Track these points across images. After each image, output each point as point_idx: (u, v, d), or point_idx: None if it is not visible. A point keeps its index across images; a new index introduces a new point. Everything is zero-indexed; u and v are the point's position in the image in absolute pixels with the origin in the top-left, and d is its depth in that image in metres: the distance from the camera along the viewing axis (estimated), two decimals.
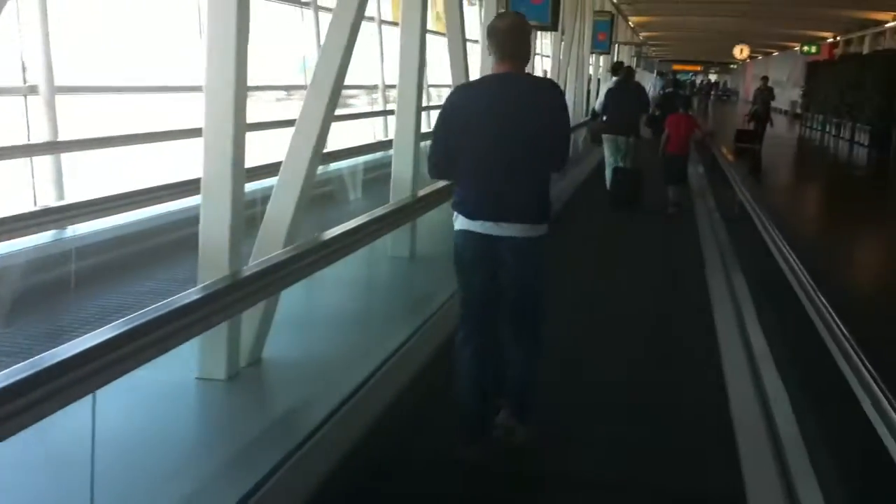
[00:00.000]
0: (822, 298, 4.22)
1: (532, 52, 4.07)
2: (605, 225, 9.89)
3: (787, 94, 38.65)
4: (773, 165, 19.51)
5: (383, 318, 5.28)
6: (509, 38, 3.49)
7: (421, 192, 5.88)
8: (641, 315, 5.98)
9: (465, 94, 3.78)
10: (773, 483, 3.38)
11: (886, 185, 18.33)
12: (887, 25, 27.21)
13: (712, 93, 65.70)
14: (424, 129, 6.76)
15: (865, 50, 29.20)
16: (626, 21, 30.78)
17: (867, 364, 3.25)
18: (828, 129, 29.50)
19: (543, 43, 18.04)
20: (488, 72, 3.75)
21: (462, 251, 3.54)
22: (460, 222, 3.51)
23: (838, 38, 33.76)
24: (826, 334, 3.97)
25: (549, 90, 3.72)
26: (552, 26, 11.99)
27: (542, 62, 18.78)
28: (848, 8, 25.89)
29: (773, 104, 23.21)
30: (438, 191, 5.63)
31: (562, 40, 16.71)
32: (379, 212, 4.87)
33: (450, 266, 3.65)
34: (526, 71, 3.62)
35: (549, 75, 16.12)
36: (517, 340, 3.60)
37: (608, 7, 23.97)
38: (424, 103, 7.70)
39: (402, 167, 6.36)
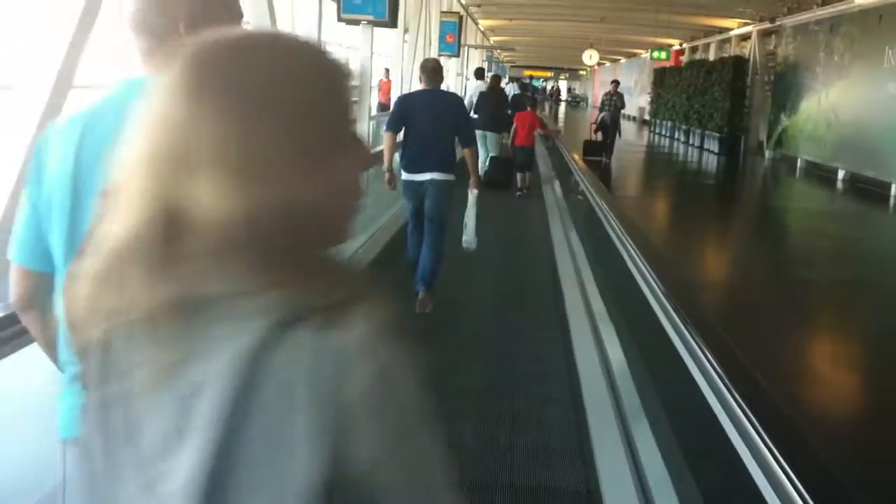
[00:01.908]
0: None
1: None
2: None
3: (635, 101, 38.94)
4: (622, 177, 18.27)
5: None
6: (430, 74, 6.17)
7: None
8: (504, 250, 8.74)
9: (410, 98, 6.66)
10: (587, 337, 5.18)
11: (740, 195, 17.91)
12: (732, 33, 27.35)
13: (561, 99, 66.65)
14: None
15: (711, 56, 29.39)
16: (476, 24, 29.94)
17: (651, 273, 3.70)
18: (676, 136, 29.52)
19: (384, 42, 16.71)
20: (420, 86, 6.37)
21: (406, 189, 6.03)
22: (404, 175, 6.01)
23: (684, 45, 34.05)
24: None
25: (454, 97, 6.95)
26: (390, 22, 10.89)
27: (382, 62, 17.53)
28: (695, 15, 25.83)
29: (622, 111, 20.58)
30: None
31: (405, 40, 15.46)
32: None
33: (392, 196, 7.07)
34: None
35: (389, 75, 15.35)
36: (428, 245, 5.91)
37: (456, 7, 22.99)
38: None
39: None
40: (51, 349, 1.63)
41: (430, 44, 18.44)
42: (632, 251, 4.05)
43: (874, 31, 16.45)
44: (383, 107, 18.61)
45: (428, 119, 5.82)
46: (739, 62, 24.20)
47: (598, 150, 18.65)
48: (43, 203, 1.55)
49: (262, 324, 0.80)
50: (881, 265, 9.90)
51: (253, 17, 7.12)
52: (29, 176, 1.59)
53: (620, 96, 20.08)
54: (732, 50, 27.30)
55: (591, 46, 33.29)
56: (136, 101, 0.90)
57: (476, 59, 29.35)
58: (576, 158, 10.77)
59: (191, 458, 0.81)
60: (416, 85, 7.15)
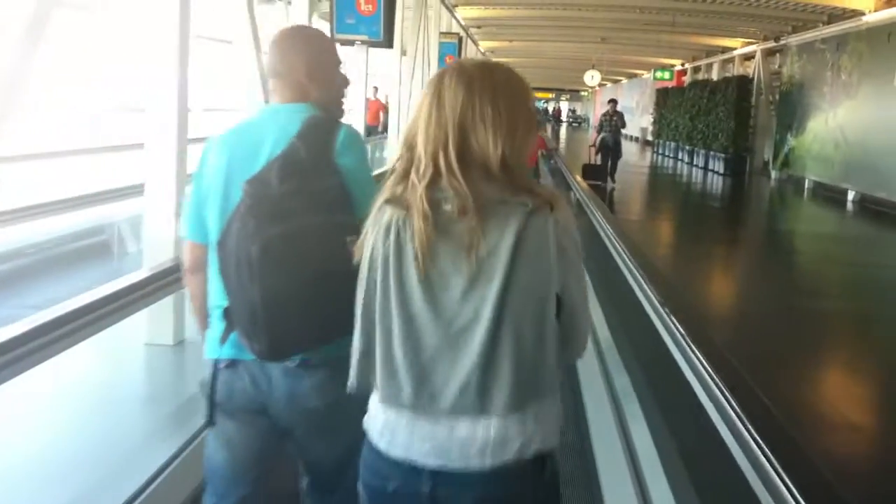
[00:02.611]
0: None
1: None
2: None
3: (638, 121, 38.63)
4: (625, 199, 17.32)
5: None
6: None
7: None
8: None
9: None
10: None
11: (749, 218, 17.47)
12: (736, 52, 27.02)
13: (562, 119, 66.48)
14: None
15: (714, 76, 29.06)
16: (476, 45, 29.66)
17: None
18: (680, 157, 29.14)
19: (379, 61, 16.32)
20: None
21: None
22: None
23: (686, 64, 33.75)
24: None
25: None
26: (386, 43, 10.55)
27: (373, 82, 17.15)
28: (698, 35, 25.52)
29: (623, 131, 19.29)
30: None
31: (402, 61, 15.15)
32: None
33: None
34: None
35: (377, 94, 15.03)
36: None
37: (455, 28, 22.69)
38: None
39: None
40: (201, 301, 2.28)
41: (430, 65, 18.10)
42: (640, 281, 3.90)
43: (883, 48, 16.06)
44: (371, 129, 17.96)
45: None
46: (744, 81, 23.83)
47: (600, 174, 17.19)
48: (203, 191, 2.19)
49: (521, 213, 1.62)
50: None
51: (235, 37, 6.74)
52: (195, 173, 2.23)
53: (620, 115, 18.79)
54: (735, 70, 26.94)
55: (593, 67, 32.97)
56: (266, 123, 2.12)
57: None
58: (578, 180, 10.39)
59: (493, 286, 1.61)
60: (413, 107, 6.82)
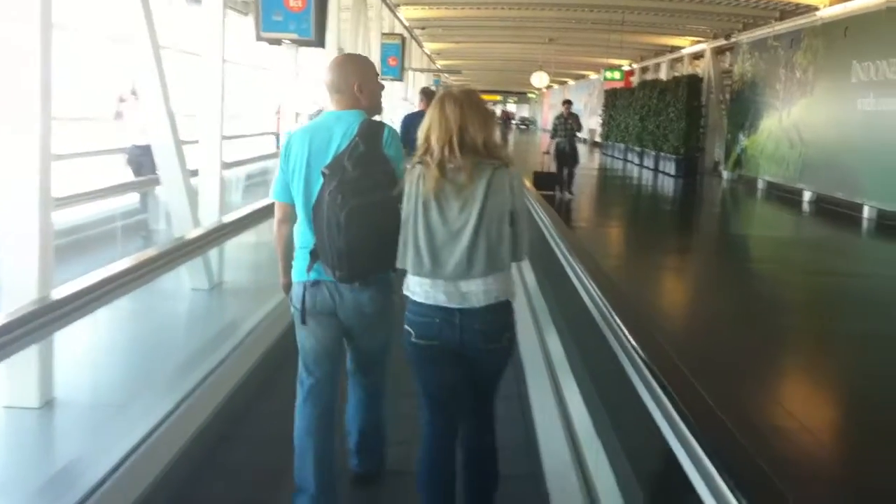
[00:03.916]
0: None
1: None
2: None
3: (586, 123, 38.17)
4: (574, 205, 16.14)
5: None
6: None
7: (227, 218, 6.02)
8: None
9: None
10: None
11: (704, 222, 16.87)
12: (685, 51, 26.58)
13: (511, 122, 65.81)
14: None
15: (663, 76, 28.62)
16: (421, 47, 28.88)
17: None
18: (630, 158, 28.67)
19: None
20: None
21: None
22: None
23: (634, 65, 33.33)
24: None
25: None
26: (317, 42, 9.67)
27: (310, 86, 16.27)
28: (646, 34, 25.02)
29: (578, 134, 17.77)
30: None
31: None
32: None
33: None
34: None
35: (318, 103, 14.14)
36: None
37: (399, 29, 21.88)
38: None
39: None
40: (285, 245, 3.36)
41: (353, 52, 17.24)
42: (595, 296, 3.63)
43: (839, 44, 15.60)
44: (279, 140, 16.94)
45: None
46: (694, 81, 23.35)
47: (552, 183, 15.82)
48: (289, 172, 3.23)
49: (491, 168, 2.86)
50: (870, 305, 8.79)
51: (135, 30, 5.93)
52: (282, 157, 3.27)
53: (576, 117, 17.07)
54: (685, 69, 26.52)
55: (540, 68, 32.35)
56: (332, 124, 3.20)
57: (422, 83, 28.27)
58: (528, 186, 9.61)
59: (473, 212, 2.83)
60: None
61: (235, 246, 7.06)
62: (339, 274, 3.09)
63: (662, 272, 10.44)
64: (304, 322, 3.27)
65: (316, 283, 3.23)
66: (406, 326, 2.99)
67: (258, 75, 18.83)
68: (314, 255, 3.15)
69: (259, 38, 9.66)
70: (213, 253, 6.59)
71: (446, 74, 41.10)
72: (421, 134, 2.94)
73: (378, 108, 3.38)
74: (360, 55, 3.72)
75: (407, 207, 2.92)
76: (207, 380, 4.45)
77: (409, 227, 2.91)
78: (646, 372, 2.61)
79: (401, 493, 3.52)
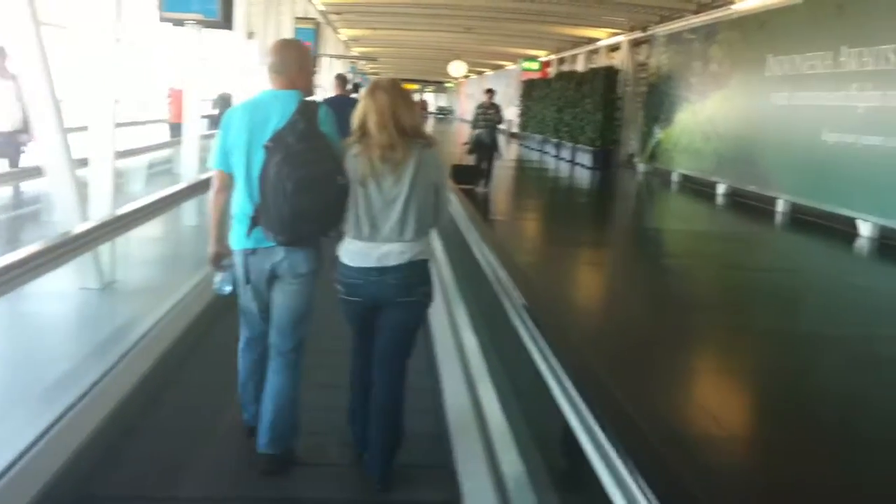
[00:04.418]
0: None
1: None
2: None
3: (503, 113, 38.01)
4: (489, 197, 15.62)
5: None
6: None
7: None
8: None
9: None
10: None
11: (619, 214, 16.79)
12: (601, 43, 26.59)
13: (428, 111, 65.12)
14: None
15: (579, 68, 28.62)
16: (336, 32, 28.27)
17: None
18: (547, 150, 28.60)
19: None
20: None
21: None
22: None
23: (551, 56, 33.29)
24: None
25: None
26: (223, 23, 9.20)
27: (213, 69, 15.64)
28: (563, 25, 24.91)
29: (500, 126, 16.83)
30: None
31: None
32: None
33: None
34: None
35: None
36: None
37: (313, 14, 21.28)
38: None
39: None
40: (220, 213, 3.69)
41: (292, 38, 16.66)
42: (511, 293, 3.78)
43: (755, 38, 15.65)
44: (176, 128, 15.98)
45: None
46: (611, 73, 23.33)
47: (473, 176, 15.12)
48: (230, 142, 3.56)
49: (420, 147, 3.42)
50: (781, 300, 8.71)
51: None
52: (220, 131, 3.62)
53: (497, 108, 16.25)
54: (601, 61, 26.52)
55: (458, 58, 32.05)
56: (271, 102, 3.56)
57: (338, 70, 27.70)
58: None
59: (405, 184, 3.39)
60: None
61: (134, 240, 6.93)
62: (282, 238, 3.45)
63: (578, 266, 10.24)
64: (248, 283, 3.68)
65: (253, 252, 3.60)
66: (337, 285, 3.56)
67: (142, 56, 18.05)
68: (254, 221, 3.47)
69: (162, 19, 9.13)
70: (105, 249, 6.30)
71: (363, 62, 40.52)
72: (357, 119, 3.44)
73: (311, 90, 3.78)
74: (299, 41, 4.26)
75: (351, 185, 3.44)
76: (92, 391, 4.07)
77: (351, 199, 3.44)
78: (559, 370, 2.76)
79: (312, 483, 3.71)
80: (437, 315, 5.81)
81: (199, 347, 5.36)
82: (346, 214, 3.44)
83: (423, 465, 3.82)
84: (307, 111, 3.47)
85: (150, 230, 7.42)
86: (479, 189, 15.21)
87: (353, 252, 3.46)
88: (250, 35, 13.76)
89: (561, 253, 10.89)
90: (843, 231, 12.36)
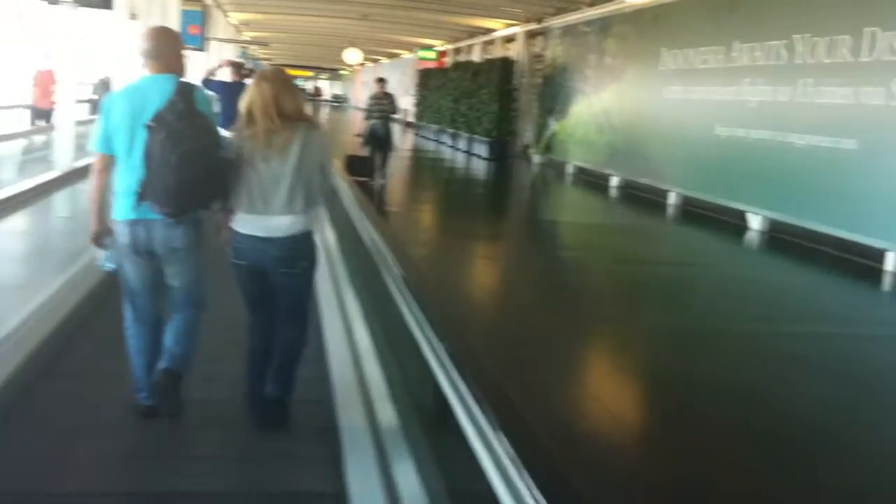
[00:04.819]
0: None
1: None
2: None
3: (399, 102, 37.68)
4: (389, 191, 15.30)
5: None
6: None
7: None
8: None
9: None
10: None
11: (514, 206, 16.72)
12: (497, 34, 26.52)
13: (320, 98, 63.85)
14: None
15: (475, 58, 28.52)
16: (226, 16, 27.42)
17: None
18: (443, 140, 28.44)
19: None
20: None
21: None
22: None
23: (447, 45, 33.11)
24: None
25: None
26: (101, 3, 8.70)
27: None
28: (459, 15, 24.72)
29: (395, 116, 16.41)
30: None
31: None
32: None
33: None
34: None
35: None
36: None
37: None
38: None
39: None
40: (100, 193, 3.85)
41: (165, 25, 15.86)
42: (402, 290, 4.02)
43: (649, 31, 15.77)
44: (39, 113, 15.27)
45: None
46: (507, 64, 23.28)
47: (368, 168, 14.61)
48: (111, 128, 3.75)
49: (306, 128, 3.81)
50: (672, 294, 8.71)
51: None
52: (102, 115, 3.79)
53: (392, 98, 15.79)
54: (497, 52, 26.46)
55: (353, 45, 31.54)
56: (150, 85, 3.78)
57: (228, 54, 26.89)
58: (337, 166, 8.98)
59: (290, 163, 3.75)
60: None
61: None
62: (168, 210, 3.64)
63: (473, 259, 10.10)
64: (133, 255, 3.85)
65: (137, 222, 3.76)
66: (229, 250, 3.91)
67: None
68: (141, 196, 3.64)
69: None
70: None
71: (254, 46, 39.56)
72: (244, 105, 3.78)
73: (183, 73, 3.95)
74: (170, 28, 4.62)
75: (238, 162, 3.75)
76: None
77: (243, 178, 3.77)
78: (450, 366, 2.80)
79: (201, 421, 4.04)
80: (329, 312, 5.72)
81: (78, 339, 5.07)
82: (227, 187, 3.79)
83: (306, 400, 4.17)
84: (185, 92, 3.71)
85: (16, 223, 6.89)
86: (376, 181, 14.74)
87: (245, 221, 3.80)
88: (133, 16, 13.04)
89: (455, 245, 10.71)
90: (734, 224, 12.55)
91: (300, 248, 3.86)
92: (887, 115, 9.50)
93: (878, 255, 9.64)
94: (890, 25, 9.49)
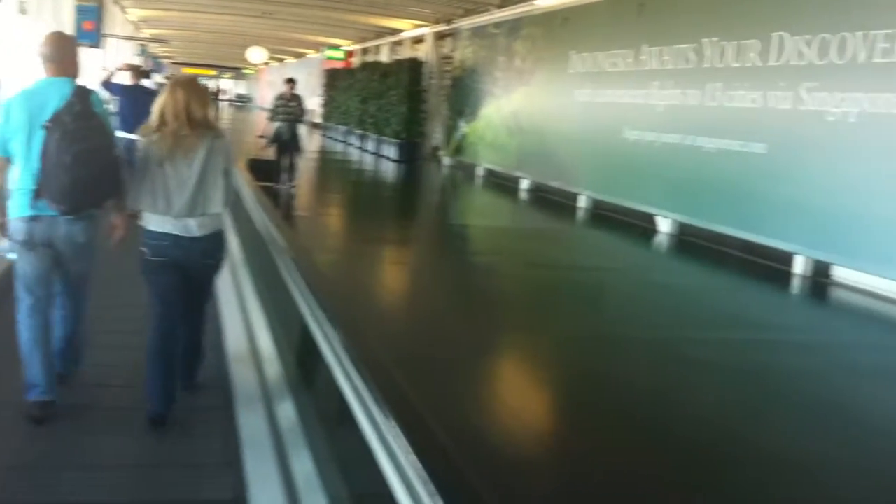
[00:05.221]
0: None
1: None
2: None
3: (306, 104, 37.07)
4: (296, 195, 14.51)
5: None
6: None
7: None
8: None
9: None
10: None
11: (424, 208, 16.48)
12: (405, 34, 26.26)
13: (221, 97, 62.18)
14: None
15: (384, 59, 28.21)
16: (124, 12, 26.45)
17: None
18: (351, 141, 28.03)
19: None
20: None
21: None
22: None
23: (355, 46, 32.70)
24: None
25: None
26: None
27: None
28: (367, 14, 24.37)
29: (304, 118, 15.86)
30: None
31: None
32: None
33: None
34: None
35: None
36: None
37: None
38: None
39: None
40: (1, 189, 3.99)
41: (64, 31, 15.08)
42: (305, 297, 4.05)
43: (558, 34, 15.71)
44: None
45: None
46: (416, 65, 23.01)
47: (273, 172, 13.87)
48: (9, 132, 3.91)
49: (212, 136, 4.11)
50: (583, 299, 8.59)
51: None
52: (2, 120, 3.93)
53: (300, 100, 14.77)
54: (406, 52, 26.21)
55: (257, 44, 30.84)
56: (48, 88, 4.01)
57: (126, 52, 25.94)
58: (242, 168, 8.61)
59: (196, 168, 4.03)
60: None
61: None
62: (63, 207, 3.84)
63: (382, 265, 9.80)
64: (31, 249, 4.00)
65: (36, 218, 3.95)
66: (143, 248, 4.12)
67: None
68: (37, 193, 3.83)
69: None
70: None
71: (154, 44, 38.40)
72: (157, 109, 4.06)
73: (78, 75, 4.19)
74: (67, 34, 4.96)
75: (146, 164, 4.01)
76: None
77: (149, 179, 4.01)
78: (351, 370, 2.82)
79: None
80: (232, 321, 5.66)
81: None
82: (121, 186, 4.12)
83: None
84: (82, 94, 3.95)
85: None
86: (282, 186, 14.06)
87: (158, 221, 4.07)
88: (23, 11, 12.34)
89: (365, 251, 10.38)
90: (644, 227, 12.56)
91: (220, 242, 4.30)
92: (795, 120, 9.58)
93: (787, 259, 9.71)
94: (797, 30, 9.57)
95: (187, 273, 4.16)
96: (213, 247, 4.22)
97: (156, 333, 4.12)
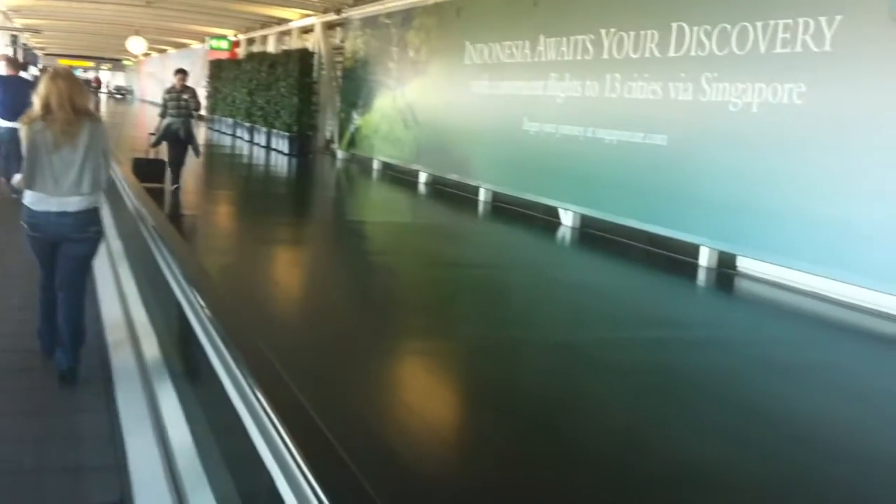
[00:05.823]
0: None
1: None
2: None
3: (199, 99, 35.77)
4: (182, 191, 13.26)
5: None
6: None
7: None
8: None
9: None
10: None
11: (318, 205, 15.97)
12: (293, 24, 25.55)
13: (99, 89, 59.80)
14: None
15: (271, 49, 27.42)
16: None
17: None
18: (239, 134, 27.17)
19: None
20: None
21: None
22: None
23: (240, 36, 31.73)
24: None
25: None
26: None
27: None
28: (252, 4, 23.58)
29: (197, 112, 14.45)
30: None
31: None
32: None
33: None
34: None
35: None
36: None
37: None
38: None
39: None
40: None
41: None
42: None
43: (453, 25, 15.41)
44: None
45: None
46: (306, 56, 22.33)
47: (161, 173, 12.93)
48: None
49: (90, 122, 4.83)
50: (488, 298, 8.33)
51: None
52: None
53: (193, 93, 13.50)
54: (294, 43, 25.50)
55: (137, 34, 29.57)
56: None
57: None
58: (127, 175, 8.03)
59: (80, 151, 4.75)
60: None
61: None
62: None
63: (275, 266, 9.28)
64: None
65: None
66: (23, 223, 4.78)
67: None
68: None
69: None
70: None
71: (27, 34, 36.46)
72: (40, 99, 4.66)
73: None
74: None
75: (35, 150, 4.62)
76: None
77: (37, 163, 4.64)
78: (238, 374, 2.73)
79: None
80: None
81: None
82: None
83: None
84: None
85: None
86: (171, 188, 13.05)
87: (39, 199, 4.71)
88: None
89: (257, 251, 9.83)
90: (546, 220, 12.41)
91: (91, 218, 4.86)
92: (697, 111, 9.52)
93: (692, 250, 9.67)
94: (697, 20, 9.50)
95: (60, 246, 4.84)
96: (87, 221, 4.82)
97: (39, 287, 5.08)
